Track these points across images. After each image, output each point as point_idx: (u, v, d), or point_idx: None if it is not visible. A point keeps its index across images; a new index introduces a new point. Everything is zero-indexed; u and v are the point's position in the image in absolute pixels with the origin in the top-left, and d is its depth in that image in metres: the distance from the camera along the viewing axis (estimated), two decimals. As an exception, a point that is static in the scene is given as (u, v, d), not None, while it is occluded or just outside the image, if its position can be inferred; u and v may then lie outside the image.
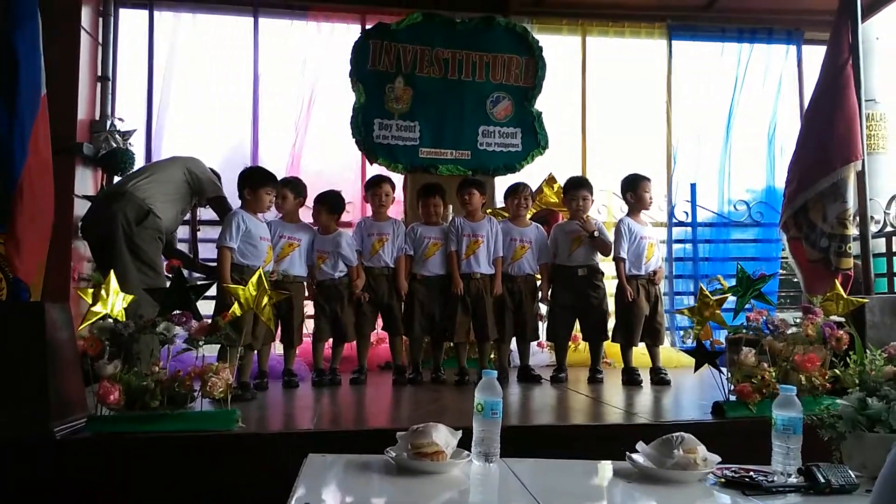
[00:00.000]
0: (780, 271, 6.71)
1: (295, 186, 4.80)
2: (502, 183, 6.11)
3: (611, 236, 4.93)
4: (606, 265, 5.05)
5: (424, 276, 4.84)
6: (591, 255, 4.87)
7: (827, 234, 4.49)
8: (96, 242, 4.35)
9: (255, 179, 4.43)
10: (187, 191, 4.49)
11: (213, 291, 3.96)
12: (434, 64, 6.30)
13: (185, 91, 6.32)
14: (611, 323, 4.98)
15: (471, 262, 4.80)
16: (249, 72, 6.44)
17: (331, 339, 4.75)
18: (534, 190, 5.68)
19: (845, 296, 3.65)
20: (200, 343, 3.14)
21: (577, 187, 4.97)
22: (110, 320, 3.01)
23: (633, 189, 4.90)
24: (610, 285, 5.01)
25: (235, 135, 6.44)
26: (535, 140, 6.38)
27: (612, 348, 5.28)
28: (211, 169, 4.75)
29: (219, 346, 3.65)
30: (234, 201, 4.53)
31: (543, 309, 5.04)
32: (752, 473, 1.99)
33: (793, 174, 4.75)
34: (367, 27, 6.37)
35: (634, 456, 2.10)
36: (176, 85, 6.30)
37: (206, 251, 4.89)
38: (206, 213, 5.02)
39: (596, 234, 4.79)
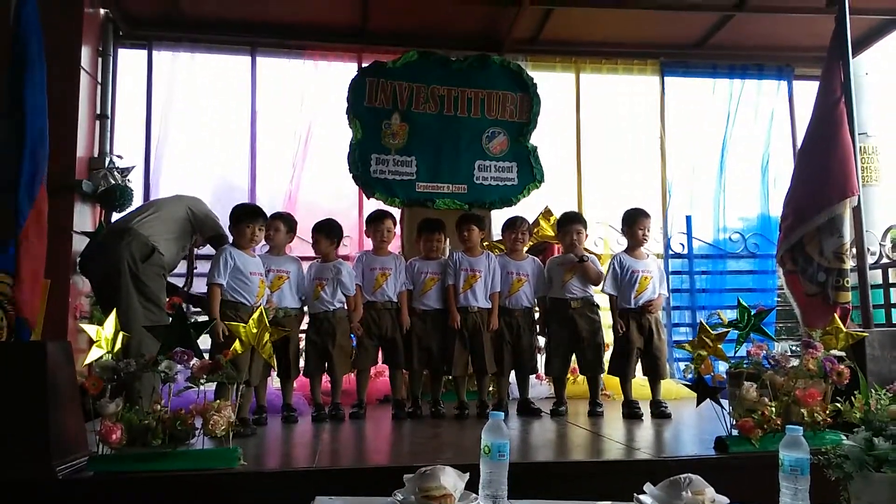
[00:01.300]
0: (776, 300, 6.74)
1: (287, 220, 4.86)
2: (498, 216, 6.16)
3: (605, 269, 4.96)
4: (603, 298, 5.06)
5: (422, 311, 4.85)
6: (585, 286, 4.89)
7: (824, 268, 4.51)
8: (100, 279, 4.33)
9: (235, 215, 4.49)
10: (188, 228, 4.52)
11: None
12: (430, 100, 6.38)
13: (184, 128, 6.38)
14: (608, 355, 4.99)
15: (468, 296, 4.81)
16: (247, 109, 6.52)
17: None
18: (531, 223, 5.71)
19: (845, 329, 3.67)
20: (202, 381, 3.13)
21: (571, 222, 5.02)
22: (112, 358, 3.01)
23: (635, 223, 4.92)
24: (607, 317, 5.03)
25: (233, 171, 6.50)
26: (530, 174, 6.45)
27: (611, 381, 5.28)
28: None
29: (216, 382, 3.63)
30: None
31: (542, 341, 5.05)
32: (760, 515, 1.99)
33: (788, 210, 4.77)
34: (364, 65, 6.45)
35: (642, 497, 2.09)
36: (174, 122, 6.37)
37: (200, 285, 4.90)
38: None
39: (585, 259, 4.83)
